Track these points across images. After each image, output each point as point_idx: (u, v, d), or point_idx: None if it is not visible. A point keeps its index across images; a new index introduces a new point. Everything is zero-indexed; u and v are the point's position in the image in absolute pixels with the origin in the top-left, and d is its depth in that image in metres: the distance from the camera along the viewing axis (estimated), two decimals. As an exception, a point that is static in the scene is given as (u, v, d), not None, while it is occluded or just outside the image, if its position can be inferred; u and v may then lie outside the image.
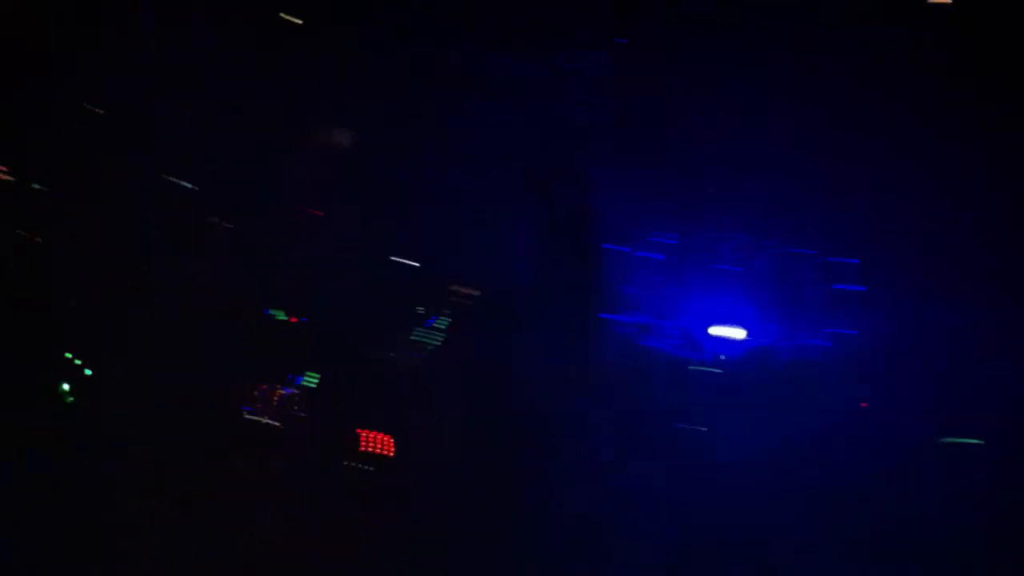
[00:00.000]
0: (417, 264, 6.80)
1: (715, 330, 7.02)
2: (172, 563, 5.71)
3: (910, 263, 6.95)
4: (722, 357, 6.95)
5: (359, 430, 6.36)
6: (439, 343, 6.63)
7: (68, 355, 5.93)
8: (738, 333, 7.01)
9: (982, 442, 6.35)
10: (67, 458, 5.68)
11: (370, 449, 6.37)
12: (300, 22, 6.53)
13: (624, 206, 6.98)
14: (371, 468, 6.30)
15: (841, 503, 6.22)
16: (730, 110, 6.97)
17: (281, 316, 6.46)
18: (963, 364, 6.60)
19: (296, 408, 6.37)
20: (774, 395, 6.68)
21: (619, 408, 6.51)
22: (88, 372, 5.94)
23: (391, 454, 6.39)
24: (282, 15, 6.45)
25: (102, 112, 6.20)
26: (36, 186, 6.06)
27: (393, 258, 6.73)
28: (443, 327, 6.63)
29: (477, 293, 6.73)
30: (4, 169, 6.03)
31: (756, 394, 6.71)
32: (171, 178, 6.31)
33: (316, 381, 6.44)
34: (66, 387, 5.85)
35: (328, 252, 6.67)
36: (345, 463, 6.26)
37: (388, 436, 6.41)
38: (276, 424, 6.31)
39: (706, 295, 7.09)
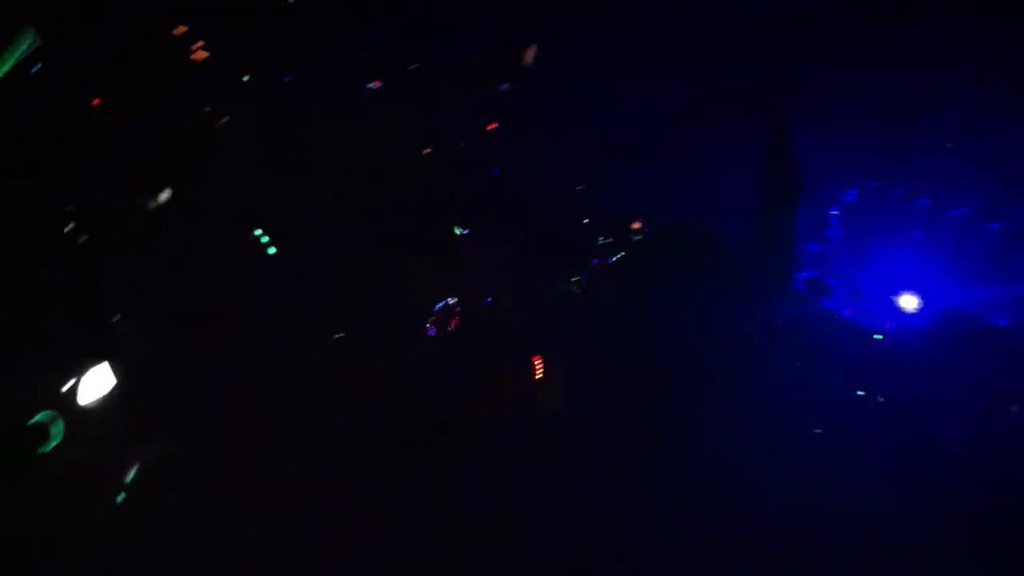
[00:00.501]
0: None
1: (896, 298, 6.81)
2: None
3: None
4: (899, 327, 6.75)
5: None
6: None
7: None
8: (916, 303, 6.81)
9: None
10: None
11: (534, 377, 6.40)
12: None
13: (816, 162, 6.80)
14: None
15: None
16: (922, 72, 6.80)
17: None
18: None
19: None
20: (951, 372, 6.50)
21: (796, 368, 6.47)
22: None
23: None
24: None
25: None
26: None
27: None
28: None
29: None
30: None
31: (932, 368, 6.54)
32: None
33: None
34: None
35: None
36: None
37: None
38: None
39: (889, 259, 6.90)
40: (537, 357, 6.41)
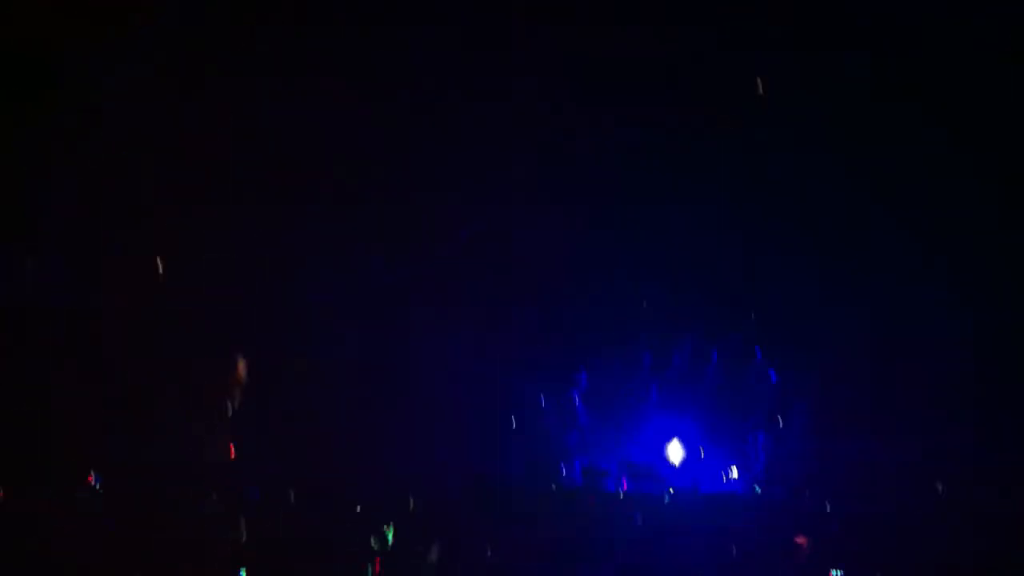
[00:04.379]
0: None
1: (666, 452, 7.29)
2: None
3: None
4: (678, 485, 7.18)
5: None
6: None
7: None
8: (679, 452, 7.28)
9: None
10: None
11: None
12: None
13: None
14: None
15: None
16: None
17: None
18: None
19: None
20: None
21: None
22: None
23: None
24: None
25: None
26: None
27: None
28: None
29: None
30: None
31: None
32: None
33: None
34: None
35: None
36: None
37: None
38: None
39: (640, 423, 7.35)
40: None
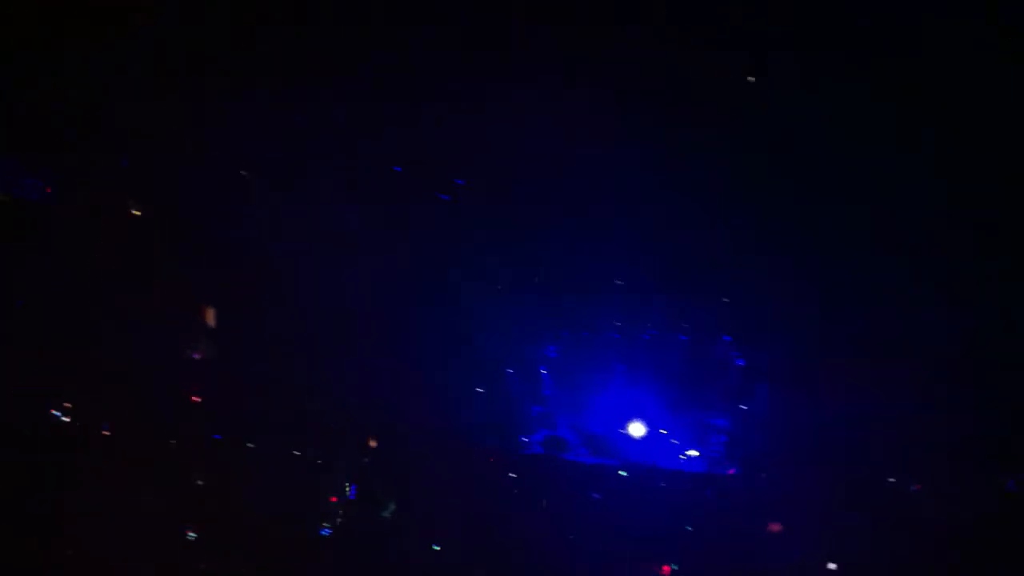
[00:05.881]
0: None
1: (626, 430, 7.36)
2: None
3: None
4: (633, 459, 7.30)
5: None
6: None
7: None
8: (644, 429, 7.30)
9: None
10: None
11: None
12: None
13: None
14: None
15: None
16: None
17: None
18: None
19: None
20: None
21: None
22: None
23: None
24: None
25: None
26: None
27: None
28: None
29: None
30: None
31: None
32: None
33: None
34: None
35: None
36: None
37: None
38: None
39: (604, 397, 7.42)
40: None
